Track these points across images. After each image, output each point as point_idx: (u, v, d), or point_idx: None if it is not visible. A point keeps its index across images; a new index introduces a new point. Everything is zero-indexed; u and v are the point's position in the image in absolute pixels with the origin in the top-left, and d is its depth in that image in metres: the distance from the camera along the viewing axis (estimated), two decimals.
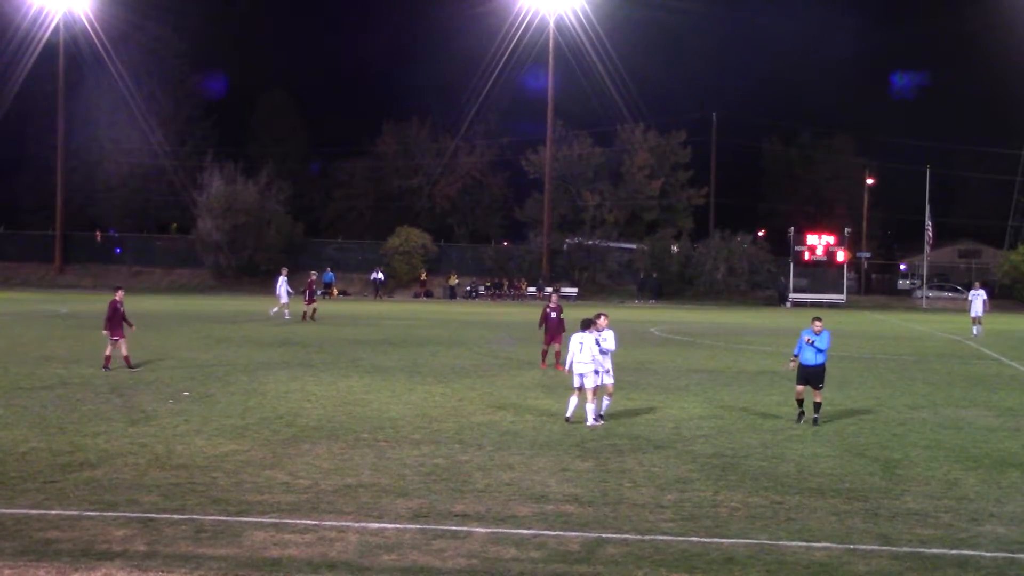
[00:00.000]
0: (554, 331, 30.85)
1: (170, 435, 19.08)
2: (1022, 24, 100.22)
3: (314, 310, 51.54)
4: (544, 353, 31.55)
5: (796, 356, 22.00)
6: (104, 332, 29.39)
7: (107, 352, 29.14)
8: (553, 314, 31.00)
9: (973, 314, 50.54)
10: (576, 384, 21.23)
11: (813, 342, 21.65)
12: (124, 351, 29.20)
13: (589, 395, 21.07)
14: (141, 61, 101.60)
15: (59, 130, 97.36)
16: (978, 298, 51.00)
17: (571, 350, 21.35)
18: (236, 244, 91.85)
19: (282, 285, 54.05)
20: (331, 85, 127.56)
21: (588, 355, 21.11)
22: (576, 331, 21.56)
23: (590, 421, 20.92)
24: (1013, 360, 36.46)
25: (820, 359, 21.66)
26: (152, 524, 13.10)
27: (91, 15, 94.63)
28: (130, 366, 28.94)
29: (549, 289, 30.05)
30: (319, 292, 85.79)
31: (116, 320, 29.11)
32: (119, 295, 30.01)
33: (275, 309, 53.46)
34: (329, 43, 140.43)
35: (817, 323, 21.95)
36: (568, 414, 21.24)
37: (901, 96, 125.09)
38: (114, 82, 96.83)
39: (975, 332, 49.06)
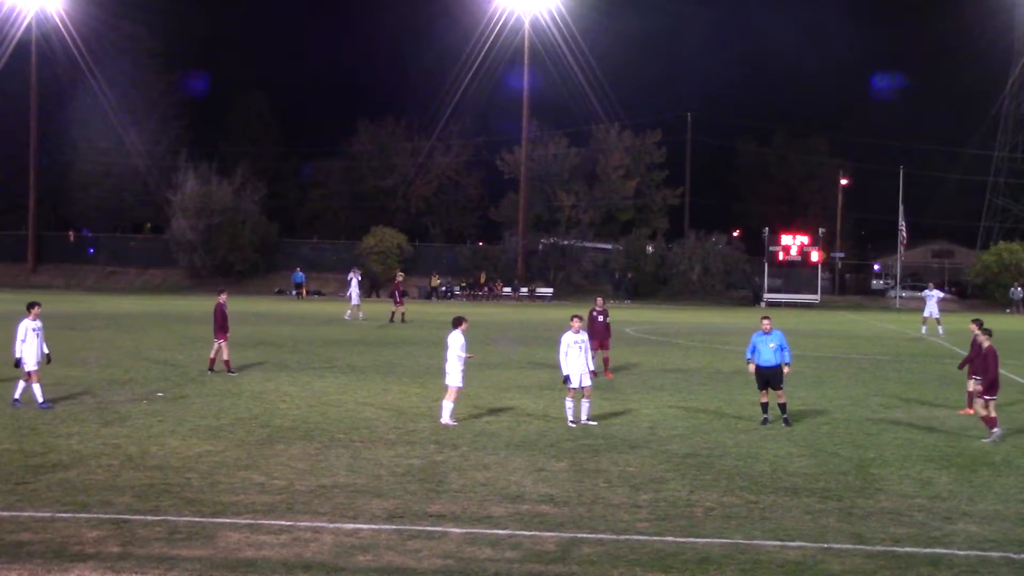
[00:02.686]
0: (602, 336, 28.98)
1: (144, 436, 19.01)
2: (994, 27, 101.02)
3: (403, 313, 50.74)
4: (605, 360, 29.67)
5: (750, 360, 21.94)
6: (217, 337, 28.91)
7: (212, 355, 28.98)
8: (600, 318, 29.51)
9: (927, 314, 50.57)
10: (576, 385, 21.19)
11: (780, 345, 21.65)
12: (226, 354, 28.87)
13: (587, 392, 21.30)
14: (115, 60, 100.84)
15: (32, 129, 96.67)
16: (932, 299, 51.24)
17: (568, 352, 21.22)
18: (210, 244, 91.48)
19: (354, 286, 54.14)
20: (306, 85, 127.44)
21: (584, 357, 21.24)
22: (463, 332, 21.49)
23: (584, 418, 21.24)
24: None
25: (779, 359, 21.64)
26: (125, 525, 13.05)
27: (64, 14, 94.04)
28: (230, 370, 28.65)
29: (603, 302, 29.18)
30: (292, 292, 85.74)
31: (223, 323, 28.81)
32: (223, 297, 29.68)
33: (349, 312, 53.14)
34: (304, 43, 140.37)
35: (766, 322, 21.93)
36: (571, 418, 21.25)
37: (877, 98, 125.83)
38: (87, 81, 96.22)
39: (940, 331, 49.05)
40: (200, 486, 15.21)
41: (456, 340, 21.22)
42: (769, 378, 21.56)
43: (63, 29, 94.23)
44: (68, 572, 11.25)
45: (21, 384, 22.48)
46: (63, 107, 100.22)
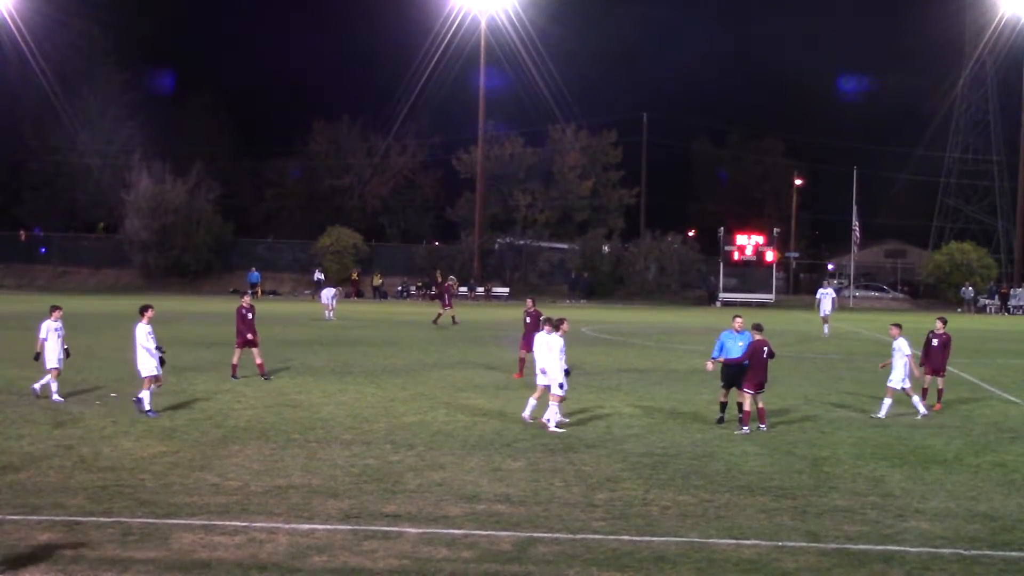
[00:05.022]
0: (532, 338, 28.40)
1: (97, 437, 18.84)
2: (947, 29, 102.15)
3: (450, 315, 50.13)
4: (521, 362, 29.08)
5: (715, 359, 22.01)
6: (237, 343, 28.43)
7: (233, 360, 28.35)
8: (528, 319, 28.99)
9: (822, 313, 50.90)
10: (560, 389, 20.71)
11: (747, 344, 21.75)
12: (258, 359, 28.13)
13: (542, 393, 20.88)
14: (67, 58, 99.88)
15: None
16: (826, 297, 51.71)
17: (548, 354, 20.70)
18: (164, 244, 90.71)
19: (328, 290, 56.23)
20: (261, 84, 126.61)
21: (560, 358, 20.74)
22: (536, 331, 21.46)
23: (554, 424, 20.63)
24: None
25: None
26: (78, 527, 12.94)
27: (14, 12, 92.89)
28: (263, 374, 27.91)
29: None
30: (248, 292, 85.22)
31: (245, 327, 28.17)
32: (245, 301, 28.95)
33: (330, 312, 54.31)
34: (259, 42, 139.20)
35: (738, 320, 22.10)
36: (526, 413, 21.09)
37: (833, 99, 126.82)
38: (39, 80, 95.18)
39: (825, 330, 49.52)
40: (154, 487, 15.10)
41: (554, 343, 20.77)
42: (735, 376, 21.66)
43: (13, 27, 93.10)
44: (19, 575, 11.14)
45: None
46: (14, 105, 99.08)
